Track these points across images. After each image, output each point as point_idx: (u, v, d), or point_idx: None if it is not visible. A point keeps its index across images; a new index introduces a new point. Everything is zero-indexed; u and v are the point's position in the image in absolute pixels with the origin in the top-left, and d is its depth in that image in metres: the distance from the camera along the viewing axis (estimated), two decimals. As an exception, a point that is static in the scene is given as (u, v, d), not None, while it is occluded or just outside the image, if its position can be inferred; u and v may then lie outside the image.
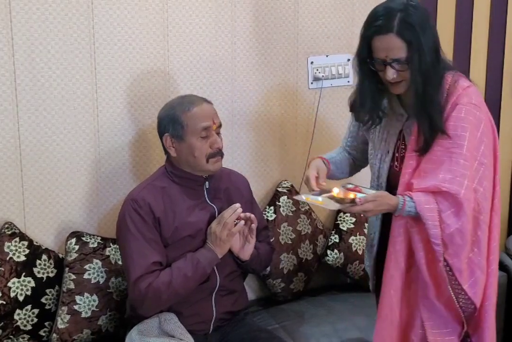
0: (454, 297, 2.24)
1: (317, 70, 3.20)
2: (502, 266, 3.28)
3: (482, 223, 2.24)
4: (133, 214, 2.46)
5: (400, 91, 2.26)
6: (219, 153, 2.50)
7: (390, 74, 2.17)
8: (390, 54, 2.14)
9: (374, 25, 2.15)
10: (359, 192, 2.22)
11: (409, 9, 2.13)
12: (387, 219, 2.38)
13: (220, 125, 2.52)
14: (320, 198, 2.22)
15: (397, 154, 2.36)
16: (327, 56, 3.21)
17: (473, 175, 2.20)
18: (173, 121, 2.47)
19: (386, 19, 2.12)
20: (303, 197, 2.30)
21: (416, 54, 2.12)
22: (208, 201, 2.56)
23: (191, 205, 2.53)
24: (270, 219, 3.07)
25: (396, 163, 2.37)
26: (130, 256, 2.44)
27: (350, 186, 2.27)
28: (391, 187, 2.35)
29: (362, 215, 3.01)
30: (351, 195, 2.17)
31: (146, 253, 2.42)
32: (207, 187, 2.56)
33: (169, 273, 2.41)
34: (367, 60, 2.22)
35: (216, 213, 2.55)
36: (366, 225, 3.21)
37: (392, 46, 2.13)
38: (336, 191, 2.19)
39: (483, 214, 2.24)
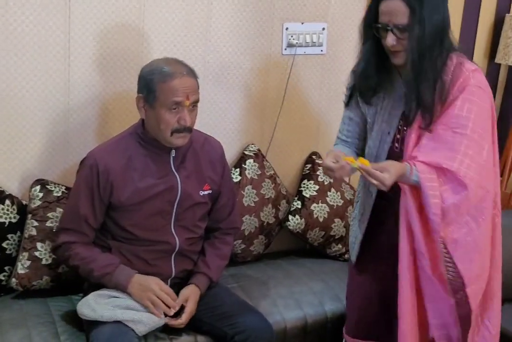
0: (444, 269, 2.27)
1: (292, 37, 3.21)
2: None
3: (484, 209, 2.27)
4: (88, 170, 2.48)
5: (399, 62, 2.25)
6: (185, 129, 2.44)
7: (390, 40, 2.17)
8: (393, 19, 2.15)
9: None
10: None
11: None
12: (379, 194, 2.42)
13: (195, 101, 2.44)
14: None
15: (398, 136, 2.36)
16: (302, 23, 3.22)
17: (478, 155, 2.21)
18: (148, 87, 2.42)
19: None
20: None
21: (417, 23, 2.12)
22: (173, 169, 2.55)
23: (153, 171, 2.52)
24: (235, 181, 3.09)
25: (396, 144, 2.37)
26: (68, 207, 2.55)
27: None
28: None
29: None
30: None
31: (80, 209, 2.48)
32: (173, 155, 2.54)
33: (86, 256, 2.49)
34: (372, 25, 2.23)
35: (179, 184, 2.54)
36: (328, 193, 3.26)
37: (396, 10, 2.13)
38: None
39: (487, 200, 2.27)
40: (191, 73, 2.46)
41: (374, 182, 2.13)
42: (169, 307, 2.46)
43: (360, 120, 2.50)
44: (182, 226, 2.58)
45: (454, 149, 2.19)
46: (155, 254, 2.55)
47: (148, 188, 2.50)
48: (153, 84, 2.40)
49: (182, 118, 2.41)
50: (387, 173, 2.13)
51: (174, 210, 2.55)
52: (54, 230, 2.59)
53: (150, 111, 2.44)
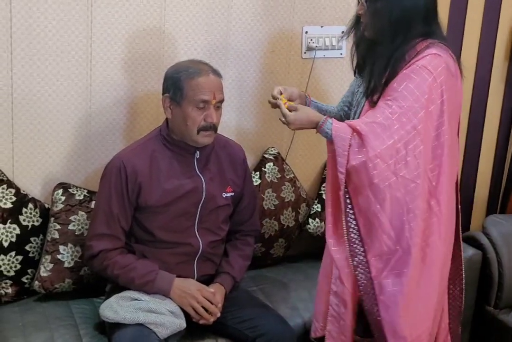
0: (344, 225, 2.32)
1: (311, 40, 3.22)
2: (477, 245, 3.34)
3: (400, 185, 2.26)
4: (116, 172, 2.50)
5: (367, 35, 2.35)
6: (212, 127, 2.49)
7: (358, 7, 2.34)
8: None
9: None
10: None
11: None
12: None
13: (221, 101, 2.50)
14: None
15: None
16: (322, 27, 3.22)
17: (396, 132, 2.23)
18: (175, 85, 2.46)
19: None
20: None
21: None
22: (197, 171, 2.58)
23: (178, 172, 2.55)
24: (255, 184, 3.10)
25: None
26: (99, 211, 2.52)
27: None
28: None
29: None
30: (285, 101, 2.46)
31: (114, 212, 2.49)
32: (198, 157, 2.57)
33: (125, 265, 2.48)
34: None
35: (204, 184, 2.57)
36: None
37: None
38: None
39: (404, 178, 2.26)
40: (216, 72, 2.50)
41: (281, 118, 2.39)
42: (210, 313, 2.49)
43: (351, 98, 2.61)
44: (206, 228, 2.60)
45: (374, 116, 2.26)
46: (178, 257, 2.57)
47: (174, 189, 2.52)
48: (180, 82, 2.44)
49: (208, 115, 2.45)
50: (294, 113, 2.38)
51: (198, 212, 2.57)
52: (86, 242, 2.57)
53: (177, 109, 2.47)
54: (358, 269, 2.34)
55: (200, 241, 2.59)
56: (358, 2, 2.34)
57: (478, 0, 3.53)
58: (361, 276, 2.34)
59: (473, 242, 3.35)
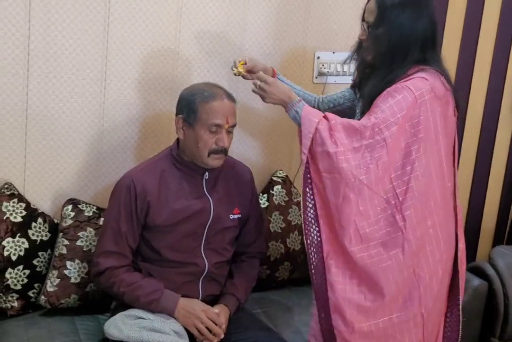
0: (302, 205, 2.36)
1: (323, 65, 3.26)
2: (484, 275, 3.32)
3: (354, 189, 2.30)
4: (126, 191, 2.51)
5: (367, 59, 2.44)
6: (222, 151, 2.51)
7: (360, 32, 2.43)
8: (368, 16, 2.38)
9: None
10: None
11: None
12: None
13: (233, 125, 2.51)
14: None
15: None
16: (333, 53, 3.27)
17: (366, 138, 2.28)
18: (189, 107, 2.49)
19: None
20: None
21: (382, 25, 2.33)
22: (206, 191, 2.60)
23: (187, 192, 2.56)
24: (262, 206, 3.12)
25: None
26: (108, 229, 2.53)
27: None
28: None
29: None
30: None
31: (122, 230, 2.51)
32: (207, 178, 2.59)
33: (131, 283, 2.49)
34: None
35: (211, 206, 2.58)
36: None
37: (370, 9, 2.37)
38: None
39: (362, 182, 2.29)
40: (231, 97, 2.53)
41: (258, 85, 2.45)
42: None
43: (343, 100, 2.76)
44: (212, 248, 2.61)
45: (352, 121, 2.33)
46: (184, 276, 2.57)
47: (182, 209, 2.53)
48: (195, 104, 2.47)
49: (220, 139, 2.48)
50: (278, 83, 2.46)
51: (205, 232, 2.58)
52: (93, 258, 2.57)
53: (189, 131, 2.49)
54: (311, 248, 2.38)
55: (206, 261, 2.60)
56: (361, 28, 2.43)
57: (490, 29, 3.57)
58: (313, 255, 2.38)
59: (479, 272, 3.33)
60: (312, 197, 2.35)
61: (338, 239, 2.34)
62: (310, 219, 2.37)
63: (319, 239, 2.37)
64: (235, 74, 2.64)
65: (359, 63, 2.52)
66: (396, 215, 2.32)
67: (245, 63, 2.62)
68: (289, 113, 2.39)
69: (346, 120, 2.33)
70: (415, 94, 2.28)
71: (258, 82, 2.46)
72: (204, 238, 2.60)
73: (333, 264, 2.36)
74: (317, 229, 2.37)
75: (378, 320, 2.37)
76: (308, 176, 2.33)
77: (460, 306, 2.54)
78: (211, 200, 2.59)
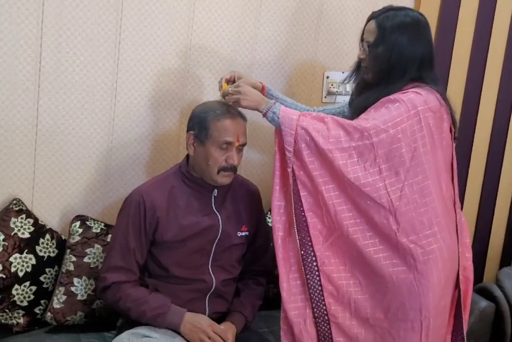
0: (292, 202, 2.36)
1: (332, 85, 3.27)
2: (491, 297, 3.30)
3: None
4: (135, 206, 2.51)
5: (367, 78, 2.48)
6: (232, 169, 2.53)
7: (360, 52, 2.47)
8: (367, 36, 2.43)
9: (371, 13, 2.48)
10: None
11: (405, 11, 2.43)
12: None
13: (244, 144, 2.54)
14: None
15: None
16: (343, 72, 3.27)
17: (355, 141, 2.30)
18: (201, 124, 2.50)
19: (381, 10, 2.44)
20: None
21: (382, 44, 2.38)
22: (214, 209, 2.60)
23: (196, 209, 2.57)
24: (269, 225, 3.10)
25: None
26: (116, 244, 2.53)
27: None
28: None
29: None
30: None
31: (130, 245, 2.50)
32: (215, 195, 2.60)
33: (137, 298, 2.48)
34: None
35: (220, 223, 2.59)
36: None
37: (369, 29, 2.43)
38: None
39: (350, 181, 2.31)
40: (242, 116, 2.55)
41: (229, 92, 2.43)
42: None
43: (341, 116, 2.70)
44: (219, 265, 2.60)
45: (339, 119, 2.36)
46: (191, 293, 2.56)
47: (191, 225, 2.53)
48: (206, 122, 2.48)
49: (230, 157, 2.49)
50: (243, 87, 2.45)
51: (213, 249, 2.58)
52: (100, 273, 2.56)
53: (200, 148, 2.50)
54: (304, 240, 2.38)
55: (214, 278, 2.59)
56: (360, 47, 2.49)
57: (498, 51, 3.58)
58: (305, 248, 2.38)
59: (486, 293, 3.31)
60: (297, 193, 2.36)
61: (331, 230, 2.37)
62: (298, 211, 2.38)
63: (308, 233, 2.38)
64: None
65: (358, 82, 2.55)
66: (390, 218, 2.33)
67: (231, 81, 2.61)
68: (267, 116, 2.40)
69: (332, 117, 2.37)
70: (408, 105, 2.32)
71: (230, 89, 2.46)
72: (212, 255, 2.59)
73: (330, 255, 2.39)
74: (305, 222, 2.38)
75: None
76: (293, 172, 2.35)
77: (464, 325, 2.53)
78: (219, 217, 2.59)
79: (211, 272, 2.58)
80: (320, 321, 2.39)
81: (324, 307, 2.39)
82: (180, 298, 2.54)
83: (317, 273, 2.38)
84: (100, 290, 2.55)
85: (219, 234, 2.58)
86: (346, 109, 2.75)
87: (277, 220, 2.40)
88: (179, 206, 2.54)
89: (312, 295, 2.40)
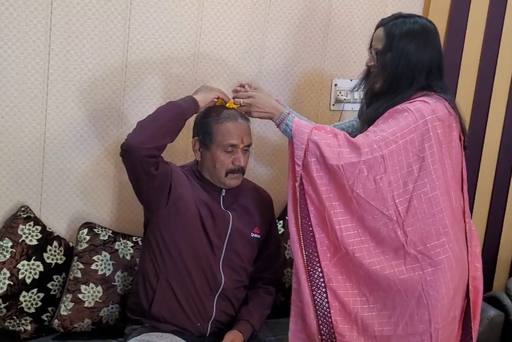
0: (299, 216, 2.36)
1: (340, 93, 3.27)
2: (500, 306, 3.28)
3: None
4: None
5: (376, 87, 2.45)
6: (239, 170, 2.54)
7: (368, 59, 2.46)
8: (376, 43, 2.43)
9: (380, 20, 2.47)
10: None
11: (414, 18, 2.41)
12: None
13: (249, 145, 2.56)
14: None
15: None
16: (351, 80, 3.28)
17: (364, 154, 2.28)
18: (204, 129, 2.53)
19: (389, 18, 2.44)
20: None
21: (390, 51, 2.37)
22: (223, 207, 2.60)
23: (206, 202, 2.57)
24: (279, 232, 3.10)
25: None
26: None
27: None
28: None
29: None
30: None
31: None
32: (223, 195, 2.61)
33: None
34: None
35: (230, 219, 2.59)
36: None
37: (378, 36, 2.42)
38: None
39: (359, 196, 2.30)
40: (244, 117, 2.56)
41: (243, 101, 2.45)
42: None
43: (351, 129, 2.72)
44: (229, 265, 2.59)
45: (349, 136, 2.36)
46: (201, 289, 2.55)
47: (204, 215, 2.55)
48: (209, 126, 2.51)
49: (236, 159, 2.51)
50: (258, 91, 2.49)
51: (224, 247, 2.58)
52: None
53: (206, 152, 2.53)
54: (310, 256, 2.37)
55: (223, 277, 2.58)
56: (369, 55, 2.48)
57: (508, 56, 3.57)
58: (312, 265, 2.37)
59: (495, 302, 3.29)
60: (306, 207, 2.36)
61: (336, 247, 2.35)
62: (306, 226, 2.37)
63: (315, 249, 2.36)
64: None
65: (367, 90, 2.54)
66: (397, 230, 2.32)
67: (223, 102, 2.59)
68: (280, 128, 2.41)
69: (344, 133, 2.36)
70: (416, 115, 2.30)
71: (241, 101, 2.47)
72: (223, 252, 2.58)
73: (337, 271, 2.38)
74: (312, 238, 2.36)
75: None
76: (302, 186, 2.35)
77: (474, 335, 2.51)
78: (230, 214, 2.60)
79: (221, 271, 2.57)
80: (326, 339, 2.37)
81: (331, 325, 2.37)
82: (189, 293, 2.53)
83: (324, 289, 2.37)
84: (122, 151, 2.41)
85: (229, 230, 2.58)
86: (356, 122, 2.74)
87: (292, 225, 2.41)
88: (196, 195, 2.56)
89: (318, 312, 2.38)
